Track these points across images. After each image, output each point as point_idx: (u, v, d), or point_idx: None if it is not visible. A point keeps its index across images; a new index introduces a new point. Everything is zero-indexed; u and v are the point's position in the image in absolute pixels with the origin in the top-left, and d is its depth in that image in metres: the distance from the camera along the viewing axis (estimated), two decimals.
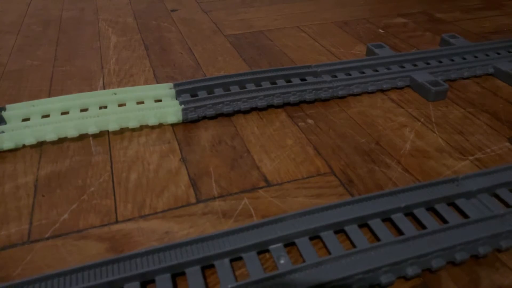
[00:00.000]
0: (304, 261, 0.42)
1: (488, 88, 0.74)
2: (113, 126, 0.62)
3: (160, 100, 0.68)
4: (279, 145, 0.60)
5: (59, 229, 0.47)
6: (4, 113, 0.63)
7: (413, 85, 0.74)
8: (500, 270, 0.42)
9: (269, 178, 0.54)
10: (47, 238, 0.46)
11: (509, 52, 0.83)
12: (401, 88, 0.74)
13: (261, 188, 0.53)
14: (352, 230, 0.46)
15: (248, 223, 0.45)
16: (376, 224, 0.46)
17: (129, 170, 0.56)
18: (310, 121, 0.65)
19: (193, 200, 0.51)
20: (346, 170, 0.55)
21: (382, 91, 0.73)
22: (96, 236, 0.46)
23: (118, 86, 0.76)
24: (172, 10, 1.16)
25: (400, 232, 0.46)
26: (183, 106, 0.65)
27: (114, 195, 0.52)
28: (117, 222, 0.48)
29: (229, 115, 0.67)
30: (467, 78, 0.78)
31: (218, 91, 0.70)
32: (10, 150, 0.59)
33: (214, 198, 0.51)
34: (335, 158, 0.58)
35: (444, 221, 0.47)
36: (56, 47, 0.93)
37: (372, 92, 0.73)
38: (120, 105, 0.67)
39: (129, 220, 0.48)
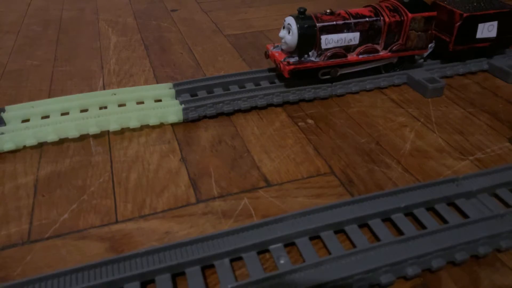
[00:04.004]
0: (304, 261, 0.42)
1: (488, 88, 0.74)
2: (114, 126, 0.62)
3: (160, 100, 0.68)
4: (279, 145, 0.60)
5: (59, 229, 0.47)
6: (3, 115, 0.63)
7: (411, 83, 0.74)
8: (500, 270, 0.42)
9: (269, 178, 0.54)
10: (47, 238, 0.46)
11: None
12: (399, 85, 0.74)
13: (261, 188, 0.53)
14: (352, 230, 0.46)
15: (248, 223, 0.45)
16: (376, 224, 0.46)
17: (129, 170, 0.56)
18: (310, 121, 0.65)
19: (193, 200, 0.51)
20: (346, 170, 0.55)
21: (381, 90, 0.73)
22: (96, 236, 0.46)
23: (118, 86, 0.76)
24: (172, 10, 1.16)
25: (400, 232, 0.46)
26: (183, 105, 0.65)
27: (114, 195, 0.52)
28: (117, 222, 0.48)
29: (229, 115, 0.67)
30: (463, 74, 0.78)
31: (218, 91, 0.70)
32: (10, 151, 0.59)
33: (214, 198, 0.51)
34: (335, 158, 0.58)
35: (444, 221, 0.47)
36: (56, 47, 0.93)
37: (371, 90, 0.73)
38: (120, 105, 0.67)
39: (129, 220, 0.48)
